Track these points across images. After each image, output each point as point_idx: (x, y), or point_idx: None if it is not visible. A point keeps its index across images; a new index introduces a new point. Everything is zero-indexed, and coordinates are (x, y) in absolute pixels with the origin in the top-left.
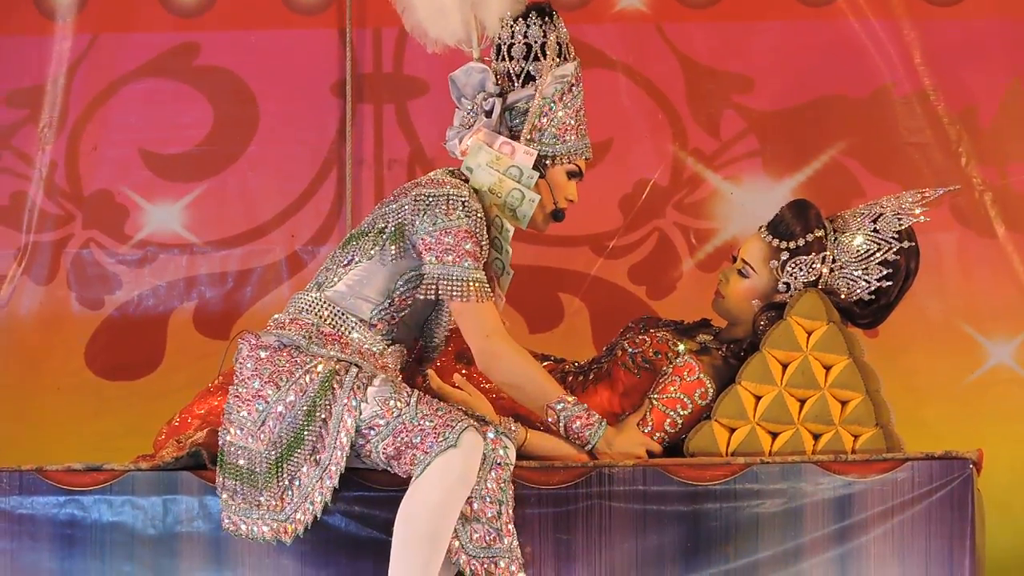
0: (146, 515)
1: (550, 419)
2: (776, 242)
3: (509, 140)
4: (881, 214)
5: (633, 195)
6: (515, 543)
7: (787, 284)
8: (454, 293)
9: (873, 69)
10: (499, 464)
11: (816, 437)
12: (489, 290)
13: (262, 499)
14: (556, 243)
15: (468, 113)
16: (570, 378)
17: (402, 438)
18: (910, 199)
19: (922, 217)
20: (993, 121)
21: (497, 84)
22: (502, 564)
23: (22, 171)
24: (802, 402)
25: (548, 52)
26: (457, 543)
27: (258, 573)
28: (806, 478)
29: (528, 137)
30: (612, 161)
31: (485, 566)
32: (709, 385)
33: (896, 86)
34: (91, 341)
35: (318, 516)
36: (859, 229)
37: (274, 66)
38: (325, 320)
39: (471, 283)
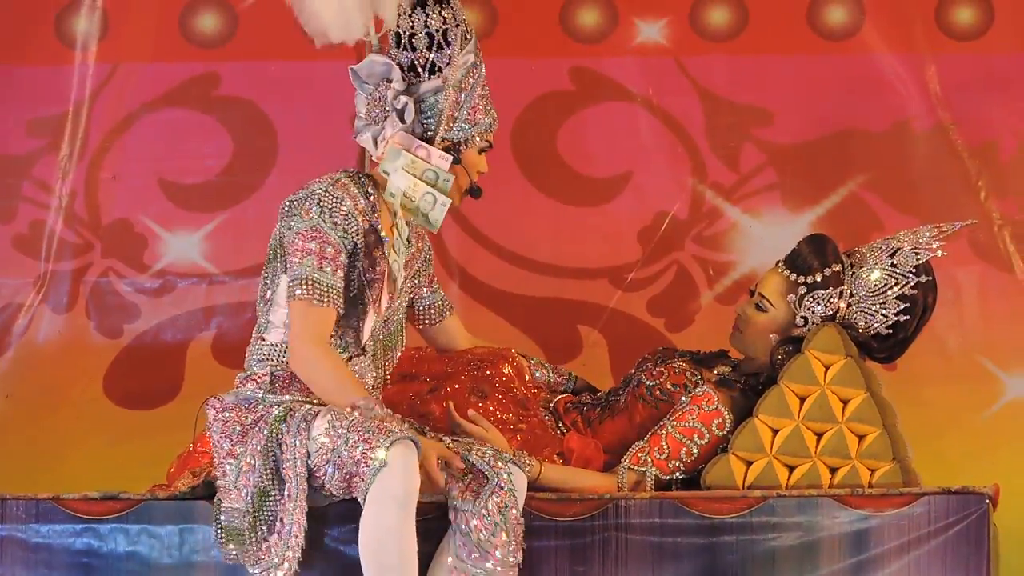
0: (162, 544)
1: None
2: (794, 276)
3: (424, 144)
4: (898, 248)
5: (652, 228)
6: (499, 569)
7: (805, 318)
8: (289, 293)
9: (893, 103)
10: (500, 488)
11: (833, 471)
12: (321, 291)
13: (259, 554)
14: (575, 275)
15: (372, 100)
16: (586, 410)
17: (345, 470)
18: (927, 233)
19: (939, 252)
20: (1013, 156)
21: (403, 78)
22: None
23: (42, 200)
24: (819, 436)
25: (451, 39)
26: (451, 559)
27: None
28: (823, 512)
29: (445, 128)
30: (631, 194)
31: None
32: (727, 416)
33: (916, 120)
34: (110, 370)
35: (303, 546)
36: (876, 263)
37: (294, 97)
38: (277, 366)
39: (300, 282)
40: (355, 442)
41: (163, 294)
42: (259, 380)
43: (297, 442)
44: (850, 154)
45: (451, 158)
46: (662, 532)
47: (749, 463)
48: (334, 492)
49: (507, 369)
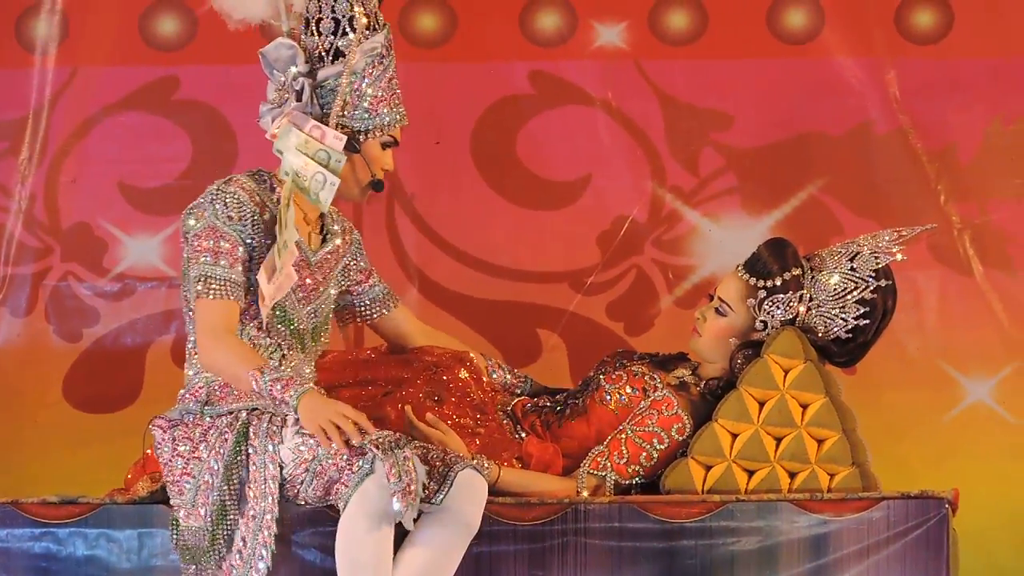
0: (121, 548)
1: (253, 388)
2: (753, 280)
3: (319, 124)
4: (858, 252)
5: (611, 232)
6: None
7: (764, 322)
8: (185, 295)
9: (853, 107)
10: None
11: (792, 475)
12: (216, 285)
13: (218, 573)
14: (534, 279)
15: (281, 87)
16: (545, 413)
17: (326, 478)
18: (887, 238)
19: (899, 256)
20: (972, 159)
21: (307, 62)
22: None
23: (1, 203)
24: (778, 440)
25: (356, 26)
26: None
27: None
28: (782, 516)
29: (340, 114)
30: (590, 197)
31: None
32: (687, 420)
33: (875, 124)
34: (69, 374)
35: (271, 567)
36: (836, 267)
37: (253, 101)
38: (211, 378)
39: (196, 280)
40: (342, 443)
41: (123, 298)
42: (196, 394)
43: (268, 462)
44: (810, 158)
45: (344, 138)
46: (621, 536)
47: (708, 467)
48: (309, 500)
49: (464, 374)
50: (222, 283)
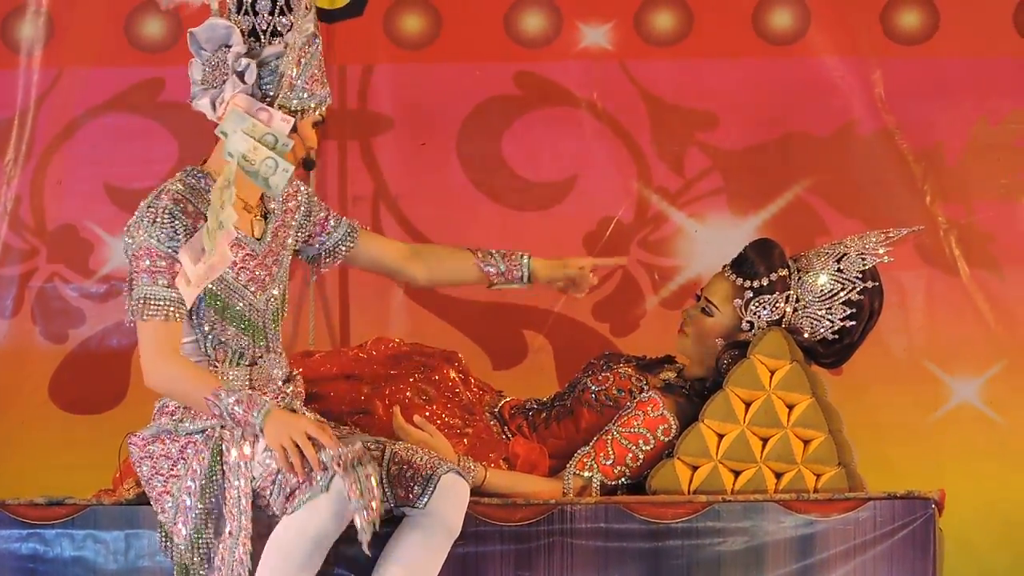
0: (108, 549)
1: (214, 412)
2: (740, 281)
3: (266, 107)
4: (845, 254)
5: (597, 232)
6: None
7: (750, 323)
8: (129, 315)
9: (838, 107)
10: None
11: (778, 476)
12: (154, 305)
13: None
14: None
15: (209, 65)
16: (532, 415)
17: (288, 488)
18: (874, 239)
19: (886, 257)
20: (958, 160)
21: (244, 42)
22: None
23: None
24: (764, 441)
25: (294, 6)
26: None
27: None
28: (768, 517)
29: (285, 94)
30: (576, 198)
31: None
32: (673, 422)
33: (861, 124)
34: (55, 375)
35: None
36: (823, 268)
37: None
38: None
39: (136, 301)
40: (301, 464)
41: (108, 299)
42: (171, 412)
43: (241, 478)
44: (795, 158)
45: (292, 121)
46: (607, 537)
47: (695, 468)
48: (276, 511)
49: (453, 374)
50: (161, 303)
